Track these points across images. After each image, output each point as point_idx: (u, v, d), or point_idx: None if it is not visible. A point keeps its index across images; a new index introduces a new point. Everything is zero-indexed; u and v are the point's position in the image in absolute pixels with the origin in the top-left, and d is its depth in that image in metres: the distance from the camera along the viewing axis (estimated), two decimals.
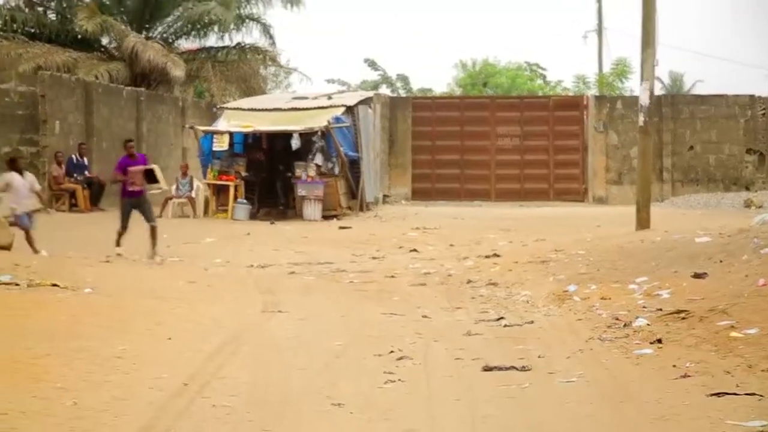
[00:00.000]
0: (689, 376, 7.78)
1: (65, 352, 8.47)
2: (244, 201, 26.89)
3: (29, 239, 16.48)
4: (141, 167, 17.00)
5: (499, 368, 8.30)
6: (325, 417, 6.78)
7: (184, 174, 27.90)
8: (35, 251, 16.14)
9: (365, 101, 30.59)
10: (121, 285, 12.92)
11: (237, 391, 7.46)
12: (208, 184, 27.64)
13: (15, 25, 33.55)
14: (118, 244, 16.68)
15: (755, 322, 9.13)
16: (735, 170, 34.69)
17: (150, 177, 17.16)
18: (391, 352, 8.96)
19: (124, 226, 16.73)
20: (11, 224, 16.29)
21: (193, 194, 27.53)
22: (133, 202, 16.87)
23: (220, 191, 27.51)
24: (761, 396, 7.08)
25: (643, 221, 18.67)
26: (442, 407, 7.08)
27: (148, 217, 16.87)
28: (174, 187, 27.74)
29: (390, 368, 8.32)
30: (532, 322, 10.59)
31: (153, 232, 16.65)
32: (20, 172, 16.85)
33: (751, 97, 35.19)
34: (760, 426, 6.35)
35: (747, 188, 34.04)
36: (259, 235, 21.53)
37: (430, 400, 7.30)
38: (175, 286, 13.19)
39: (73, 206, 26.73)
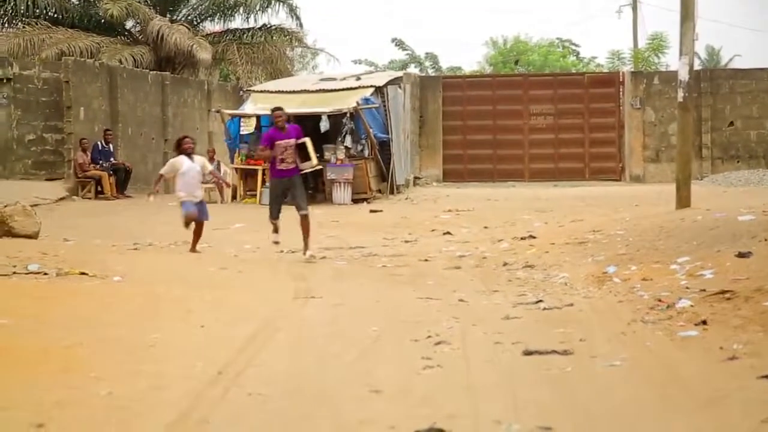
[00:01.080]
0: (737, 358, 7.54)
1: (97, 341, 8.33)
2: None
3: (196, 234, 15.42)
4: (292, 140, 14.58)
5: (540, 352, 8.07)
6: (363, 404, 6.58)
7: (212, 159, 27.75)
8: (192, 249, 15.39)
9: (394, 81, 30.35)
10: (150, 273, 12.79)
11: (272, 379, 7.28)
12: (236, 169, 27.51)
13: (37, 11, 33.47)
14: (275, 230, 15.15)
15: None
16: None
17: (302, 152, 14.83)
18: (428, 337, 8.76)
19: (275, 214, 14.85)
20: (187, 221, 15.32)
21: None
22: (285, 183, 14.64)
23: (248, 176, 27.39)
24: None
25: (683, 200, 18.35)
26: (482, 393, 6.87)
27: (299, 204, 14.66)
28: None
29: (428, 353, 8.11)
30: (571, 304, 10.35)
31: (304, 222, 14.65)
32: (188, 155, 15.34)
33: None
34: None
35: None
36: (287, 220, 21.29)
37: (470, 385, 7.09)
38: (206, 273, 13.04)
39: (99, 193, 26.70)
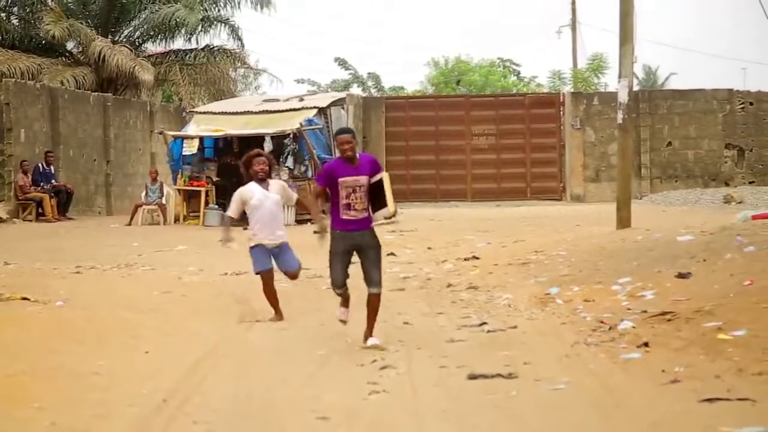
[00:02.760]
0: (679, 381, 7.63)
1: (41, 369, 8.25)
2: (216, 206, 26.61)
3: (270, 297, 11.48)
4: (364, 177, 9.66)
5: (485, 376, 8.13)
6: (311, 431, 6.59)
7: (154, 180, 27.67)
8: (276, 316, 11.35)
9: (338, 102, 30.40)
10: (94, 297, 12.66)
11: (219, 406, 7.27)
12: (179, 190, 27.39)
13: None
14: (343, 303, 10.12)
15: (743, 323, 8.98)
16: (714, 166, 34.69)
17: (375, 195, 9.82)
18: (374, 361, 8.80)
19: (339, 280, 9.85)
20: (265, 283, 11.42)
21: (164, 201, 27.27)
22: (354, 239, 9.71)
23: (191, 197, 27.26)
24: (754, 401, 6.93)
25: (623, 220, 18.55)
26: (429, 419, 6.91)
27: (371, 276, 9.73)
28: (143, 194, 27.51)
29: (374, 378, 8.14)
30: (515, 326, 10.42)
31: (374, 301, 9.76)
32: (261, 180, 11.33)
33: (730, 91, 35.16)
34: None
35: (726, 184, 34.04)
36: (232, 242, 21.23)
37: (417, 411, 7.12)
38: (150, 298, 12.94)
39: (41, 215, 26.43)
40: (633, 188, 23.27)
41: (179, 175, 27.37)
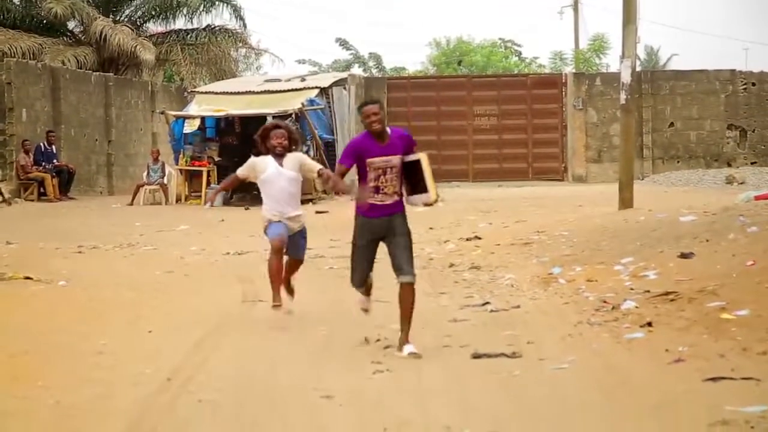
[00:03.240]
0: (683, 360, 7.63)
1: (44, 348, 8.27)
2: (218, 186, 26.59)
3: (287, 273, 10.29)
4: (396, 158, 8.39)
5: (488, 355, 8.13)
6: (314, 411, 6.60)
7: (156, 160, 27.67)
8: (289, 291, 10.37)
9: (339, 82, 30.36)
10: (96, 276, 12.69)
11: (223, 384, 7.27)
12: (180, 170, 27.38)
13: None
14: (365, 292, 9.18)
15: (746, 303, 8.99)
16: (716, 146, 34.61)
17: (412, 176, 8.51)
18: (378, 340, 8.80)
19: (360, 278, 8.87)
20: (275, 249, 10.07)
21: (165, 180, 27.26)
22: (380, 226, 8.47)
23: (192, 177, 27.25)
24: (758, 380, 6.94)
25: (626, 200, 18.53)
26: (432, 398, 6.91)
27: (400, 264, 8.41)
28: (145, 173, 27.50)
29: (377, 357, 8.15)
30: (518, 306, 10.43)
31: (407, 295, 8.40)
32: (278, 155, 10.01)
33: (732, 71, 35.03)
34: (760, 411, 6.21)
35: (728, 164, 33.96)
36: (234, 222, 21.29)
37: (420, 390, 7.13)
38: (152, 277, 12.97)
39: (42, 195, 26.42)
40: (635, 169, 23.20)
41: (181, 155, 27.35)
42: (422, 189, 8.45)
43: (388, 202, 8.38)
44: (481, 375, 7.54)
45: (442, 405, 6.71)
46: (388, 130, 8.40)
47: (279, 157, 10.02)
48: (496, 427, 6.09)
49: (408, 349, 8.21)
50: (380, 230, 8.45)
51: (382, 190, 8.33)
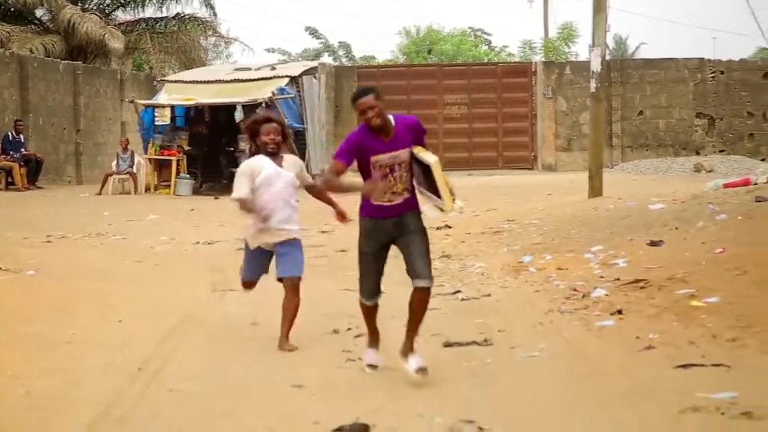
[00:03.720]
0: (653, 347, 7.66)
1: (13, 338, 8.21)
2: (187, 176, 26.58)
3: (287, 311, 8.38)
4: (404, 152, 7.16)
5: (460, 344, 8.15)
6: (286, 400, 6.58)
7: (125, 149, 27.52)
8: (284, 344, 8.18)
9: (310, 71, 30.26)
10: (65, 266, 12.62)
11: (193, 374, 7.24)
12: (150, 159, 27.26)
13: None
14: (371, 341, 7.64)
15: (715, 290, 9.04)
16: (685, 134, 34.78)
17: (424, 172, 7.18)
18: (349, 329, 8.80)
19: (369, 290, 7.52)
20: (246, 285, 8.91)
21: (134, 170, 27.12)
22: (391, 227, 7.24)
23: (162, 166, 27.16)
24: (728, 367, 6.97)
25: (595, 189, 18.61)
26: (404, 386, 6.90)
27: (415, 268, 7.19)
28: (114, 162, 27.35)
29: (349, 346, 8.14)
30: (489, 294, 10.44)
31: (420, 299, 7.29)
32: (272, 152, 8.34)
33: (701, 60, 35.20)
34: (730, 397, 6.24)
35: (697, 152, 34.13)
36: (203, 211, 21.24)
37: (392, 379, 7.11)
38: (122, 266, 12.91)
39: (10, 184, 26.22)
40: (604, 157, 23.31)
41: (150, 144, 27.24)
42: (436, 192, 7.06)
43: (398, 201, 7.13)
44: (452, 363, 7.54)
45: (413, 393, 6.70)
46: (391, 119, 7.13)
47: (273, 156, 8.30)
48: (469, 414, 6.09)
49: (414, 364, 7.03)
50: (390, 232, 7.19)
51: (391, 189, 7.10)
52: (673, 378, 6.79)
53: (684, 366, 7.02)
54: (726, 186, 17.38)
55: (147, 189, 27.10)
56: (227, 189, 26.34)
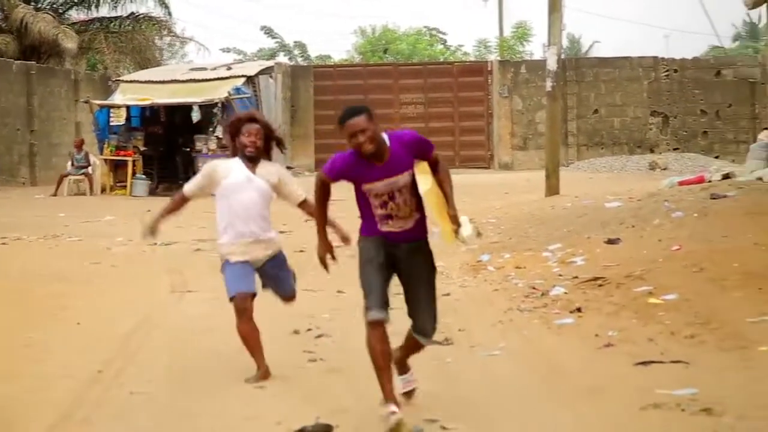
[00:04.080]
0: (612, 345, 7.73)
1: None
2: (143, 176, 26.43)
3: (250, 340, 7.34)
4: (404, 176, 6.16)
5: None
6: (248, 401, 6.57)
7: (80, 150, 27.28)
8: (262, 374, 7.16)
9: (266, 71, 30.21)
10: (21, 268, 12.51)
11: (154, 376, 7.21)
12: (105, 160, 27.08)
13: None
14: (391, 396, 6.02)
15: (673, 287, 9.12)
16: (639, 133, 35.05)
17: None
18: (309, 329, 8.80)
19: (377, 298, 6.21)
20: (239, 310, 7.29)
21: (90, 170, 26.92)
22: (396, 250, 6.27)
23: (117, 167, 26.98)
24: (687, 363, 7.04)
25: (552, 187, 18.71)
26: (366, 386, 6.89)
27: (420, 315, 6.40)
28: (69, 163, 27.14)
29: (309, 347, 8.14)
30: (448, 294, 10.44)
31: (414, 349, 6.58)
32: (250, 156, 7.28)
33: (655, 58, 35.50)
34: (689, 394, 6.30)
35: (651, 150, 34.42)
36: None
37: (353, 378, 7.12)
38: (79, 268, 12.80)
39: None
40: (560, 156, 23.43)
41: (105, 145, 27.06)
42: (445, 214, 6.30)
43: (408, 227, 6.15)
44: (414, 362, 7.53)
45: (376, 393, 6.69)
46: (386, 139, 6.10)
47: (250, 161, 7.28)
48: (431, 414, 6.11)
49: (401, 385, 6.47)
50: (398, 256, 6.23)
51: (395, 215, 6.11)
52: (633, 375, 6.85)
53: (644, 363, 7.08)
54: (681, 184, 17.54)
55: (102, 190, 26.91)
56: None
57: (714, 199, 13.47)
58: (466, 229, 6.28)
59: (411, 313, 6.38)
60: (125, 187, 26.30)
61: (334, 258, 6.60)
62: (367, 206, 6.20)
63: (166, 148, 27.77)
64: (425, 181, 6.14)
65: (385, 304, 6.18)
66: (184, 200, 7.56)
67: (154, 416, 6.26)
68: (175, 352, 8.04)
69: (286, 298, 7.85)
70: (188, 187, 7.50)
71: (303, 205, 7.60)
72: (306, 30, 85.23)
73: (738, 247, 10.46)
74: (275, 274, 7.59)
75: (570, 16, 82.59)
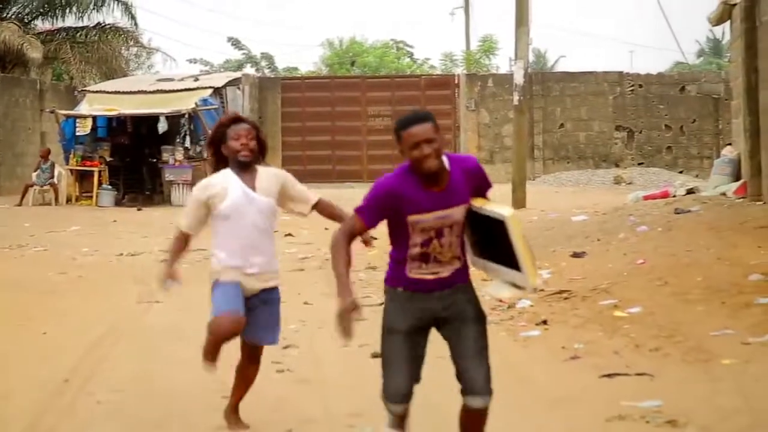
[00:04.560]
0: (579, 357, 7.79)
1: None
2: (109, 187, 26.35)
3: (241, 378, 6.39)
4: (459, 209, 4.96)
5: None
6: (216, 411, 6.54)
7: (45, 159, 27.14)
8: (232, 412, 6.27)
9: (233, 82, 30.24)
10: None
11: (122, 386, 7.20)
12: (71, 170, 26.97)
13: None
14: (397, 424, 5.36)
15: (638, 301, 9.22)
16: (604, 147, 35.28)
17: (486, 232, 5.05)
18: None
19: (399, 388, 5.24)
20: (216, 336, 6.27)
21: (56, 180, 26.80)
22: (435, 305, 5.10)
23: (83, 177, 26.88)
24: (652, 376, 7.12)
25: (519, 200, 18.83)
26: (335, 396, 6.93)
27: (470, 374, 5.24)
28: (34, 173, 27.00)
29: (277, 358, 8.12)
30: None
31: (473, 424, 5.36)
32: (244, 163, 6.06)
33: (620, 73, 35.80)
34: (654, 406, 6.37)
35: (616, 165, 34.63)
36: (126, 222, 21.07)
37: (323, 389, 7.14)
38: (44, 278, 12.76)
39: None
40: (527, 169, 23.56)
41: (71, 155, 26.95)
42: (509, 261, 5.06)
43: (444, 275, 5.05)
44: (373, 365, 7.57)
45: (344, 403, 6.74)
46: (446, 162, 4.98)
47: (244, 169, 6.08)
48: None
49: None
50: (435, 309, 5.12)
51: (435, 257, 5.00)
52: (599, 387, 6.92)
53: (609, 375, 7.15)
54: (646, 198, 17.68)
55: (68, 200, 26.80)
56: (150, 200, 26.38)
57: (678, 213, 13.61)
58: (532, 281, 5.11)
59: (459, 374, 5.25)
60: (91, 197, 26.21)
61: (358, 316, 5.11)
62: (404, 240, 4.99)
63: (133, 158, 27.69)
64: (505, 207, 5.01)
65: (405, 393, 5.22)
66: (186, 237, 6.31)
67: (121, 426, 6.25)
68: (142, 363, 8.03)
69: (254, 343, 6.40)
70: (184, 222, 6.23)
71: (318, 208, 6.50)
72: (273, 41, 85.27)
73: (701, 261, 10.59)
74: (258, 312, 6.25)
75: (537, 31, 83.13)
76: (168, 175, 25.98)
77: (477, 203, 5.00)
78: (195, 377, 7.48)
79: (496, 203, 5.04)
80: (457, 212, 4.95)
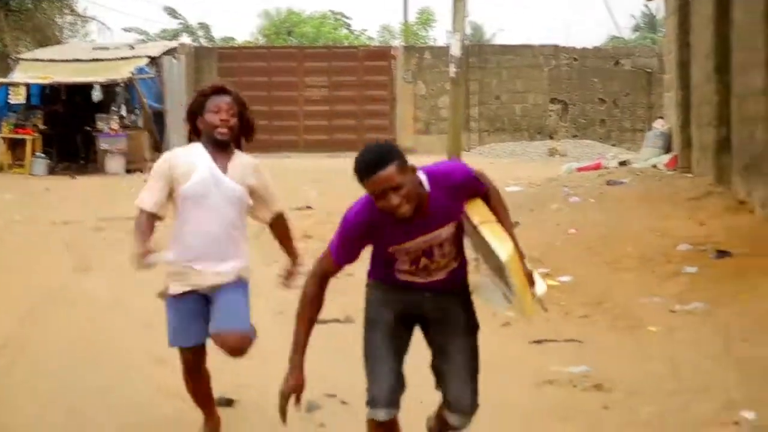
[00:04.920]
0: (509, 324, 7.90)
1: None
2: (42, 155, 26.08)
3: (199, 395, 5.78)
4: (446, 229, 4.45)
5: (322, 321, 8.19)
6: (150, 375, 6.65)
7: None
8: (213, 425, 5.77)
9: (169, 52, 30.05)
10: None
11: (60, 350, 7.28)
12: (3, 138, 26.66)
13: None
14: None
15: (569, 270, 9.38)
16: (539, 119, 35.58)
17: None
18: None
19: (384, 389, 4.56)
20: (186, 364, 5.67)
21: None
22: (421, 303, 4.68)
23: (16, 145, 26.58)
24: (580, 342, 7.27)
25: None
26: (270, 363, 6.97)
27: (454, 389, 4.68)
28: None
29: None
30: (351, 274, 10.48)
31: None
32: (220, 142, 5.26)
33: (556, 47, 36.08)
34: (582, 371, 6.52)
35: (551, 137, 34.97)
36: (60, 190, 20.91)
37: (258, 356, 7.15)
38: None
39: None
40: (462, 141, 23.70)
41: (4, 123, 26.62)
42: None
43: (437, 278, 4.60)
44: (315, 340, 7.59)
45: (279, 369, 6.76)
46: (425, 182, 4.37)
47: (219, 149, 5.33)
48: (331, 389, 6.23)
49: None
50: (421, 305, 4.69)
51: (427, 267, 4.56)
52: (529, 353, 7.06)
53: (539, 341, 7.30)
54: (579, 170, 17.91)
55: (1, 168, 26.50)
56: (84, 169, 26.14)
57: (610, 185, 13.80)
58: (540, 286, 4.61)
59: (440, 383, 4.78)
60: (23, 165, 25.94)
61: (299, 400, 4.59)
62: (390, 263, 4.62)
63: (67, 127, 27.43)
64: (504, 246, 4.43)
65: (393, 399, 4.57)
66: (152, 217, 5.25)
67: (60, 388, 6.29)
68: (80, 329, 8.07)
69: (224, 335, 5.56)
70: (148, 200, 5.22)
71: (276, 221, 5.89)
72: (209, 11, 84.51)
73: (632, 231, 10.77)
74: (221, 301, 5.54)
75: (474, 3, 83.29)
76: (102, 144, 25.80)
77: (475, 219, 4.46)
78: (130, 342, 7.55)
79: (495, 232, 4.48)
80: (445, 231, 4.43)
